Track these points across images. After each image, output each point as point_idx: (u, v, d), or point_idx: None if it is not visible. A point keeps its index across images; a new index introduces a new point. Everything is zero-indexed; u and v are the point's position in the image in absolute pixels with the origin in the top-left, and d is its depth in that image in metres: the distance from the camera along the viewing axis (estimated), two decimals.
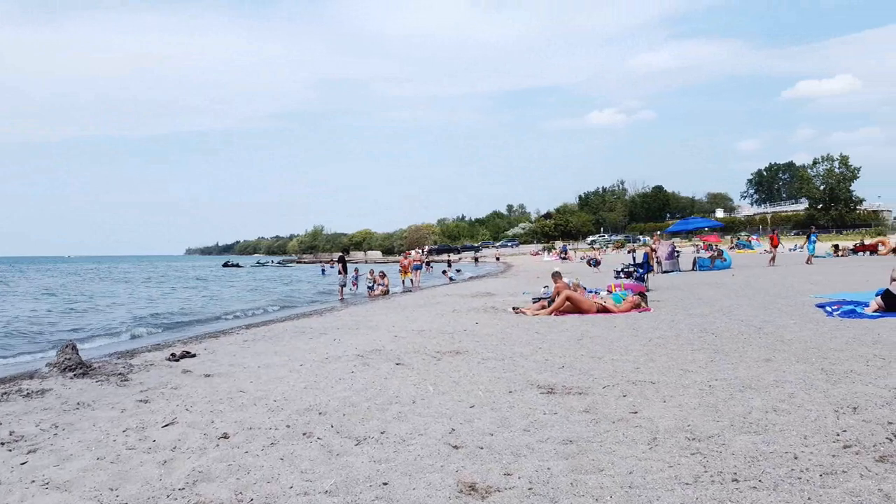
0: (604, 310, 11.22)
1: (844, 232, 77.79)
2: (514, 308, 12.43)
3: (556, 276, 12.72)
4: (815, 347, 6.50)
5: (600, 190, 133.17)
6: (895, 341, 6.60)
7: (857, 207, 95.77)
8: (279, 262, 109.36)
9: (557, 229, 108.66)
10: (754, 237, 74.28)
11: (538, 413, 4.51)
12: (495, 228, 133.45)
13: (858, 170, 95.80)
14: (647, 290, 14.94)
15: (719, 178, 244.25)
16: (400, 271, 29.53)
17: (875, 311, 8.91)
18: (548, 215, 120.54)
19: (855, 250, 33.53)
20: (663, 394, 4.89)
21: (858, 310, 9.14)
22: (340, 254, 26.14)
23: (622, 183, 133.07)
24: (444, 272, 35.29)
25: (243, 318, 16.79)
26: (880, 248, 32.04)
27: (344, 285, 24.00)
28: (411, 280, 28.36)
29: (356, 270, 27.71)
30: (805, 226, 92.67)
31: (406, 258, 30.59)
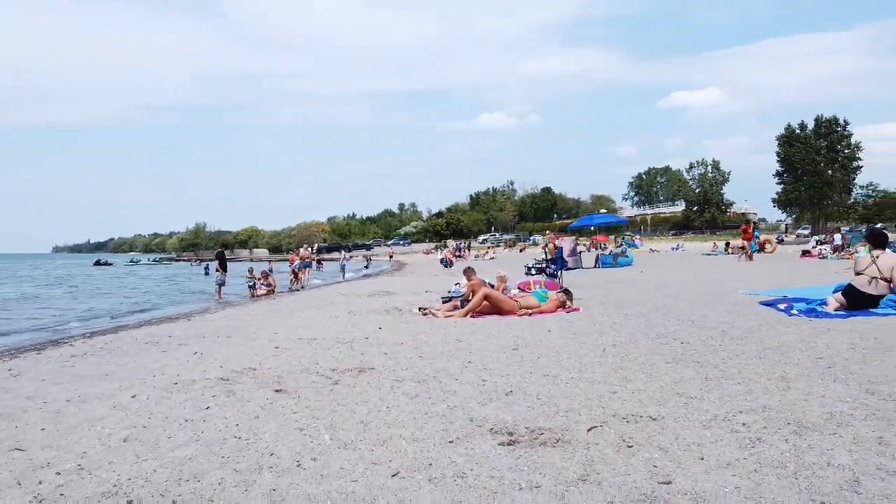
0: (526, 310, 9.64)
1: (717, 232, 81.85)
2: (420, 309, 10.62)
3: (470, 271, 11.03)
4: (822, 357, 5.11)
5: (491, 190, 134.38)
6: None
7: (728, 210, 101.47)
8: (154, 260, 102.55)
9: (449, 228, 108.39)
10: (637, 237, 76.70)
11: (509, 488, 2.72)
12: (387, 227, 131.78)
13: (729, 174, 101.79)
14: (561, 288, 13.62)
15: (602, 181, 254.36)
16: (291, 270, 27.13)
17: (837, 310, 7.81)
18: (439, 214, 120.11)
19: (744, 248, 34.33)
20: (684, 440, 3.23)
21: (819, 308, 8.02)
22: (220, 250, 23.32)
23: (512, 183, 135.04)
24: (341, 268, 33.08)
25: (93, 322, 13.96)
26: (767, 247, 32.89)
27: (222, 284, 21.33)
28: (297, 278, 25.98)
29: (248, 271, 25.03)
30: (682, 227, 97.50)
31: (296, 255, 28.13)
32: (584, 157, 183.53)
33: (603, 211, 77.44)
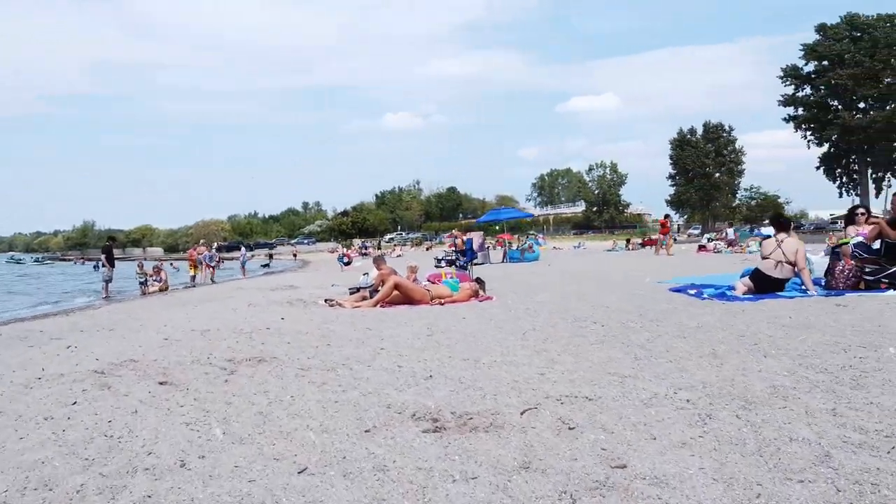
0: (438, 299, 9.26)
1: (616, 232, 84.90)
2: (327, 300, 10.02)
3: (379, 260, 10.53)
4: (744, 335, 4.99)
5: (397, 189, 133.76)
6: (824, 320, 5.33)
7: (626, 210, 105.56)
8: (37, 260, 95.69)
9: (355, 227, 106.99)
10: (540, 236, 78.35)
11: (441, 480, 2.29)
12: (290, 226, 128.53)
13: (626, 176, 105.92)
14: (471, 280, 13.37)
15: (506, 182, 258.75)
16: (189, 265, 25.67)
17: (745, 294, 7.88)
18: (345, 213, 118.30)
19: (643, 244, 35.60)
20: (629, 420, 2.91)
21: (728, 293, 8.08)
22: (107, 244, 21.66)
23: (418, 183, 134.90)
24: (241, 266, 31.63)
25: None
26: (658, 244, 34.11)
27: (109, 280, 19.72)
28: (195, 276, 24.62)
29: (163, 266, 23.40)
30: (583, 226, 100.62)
31: (195, 250, 26.61)
32: (488, 158, 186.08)
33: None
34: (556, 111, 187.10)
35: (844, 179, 65.96)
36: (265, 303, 10.29)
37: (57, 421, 3.29)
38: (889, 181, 63.40)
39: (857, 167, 64.50)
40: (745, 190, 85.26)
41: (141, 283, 20.09)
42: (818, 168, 66.43)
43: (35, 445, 2.89)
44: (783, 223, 8.26)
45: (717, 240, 29.41)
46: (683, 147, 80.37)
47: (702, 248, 24.83)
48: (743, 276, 8.39)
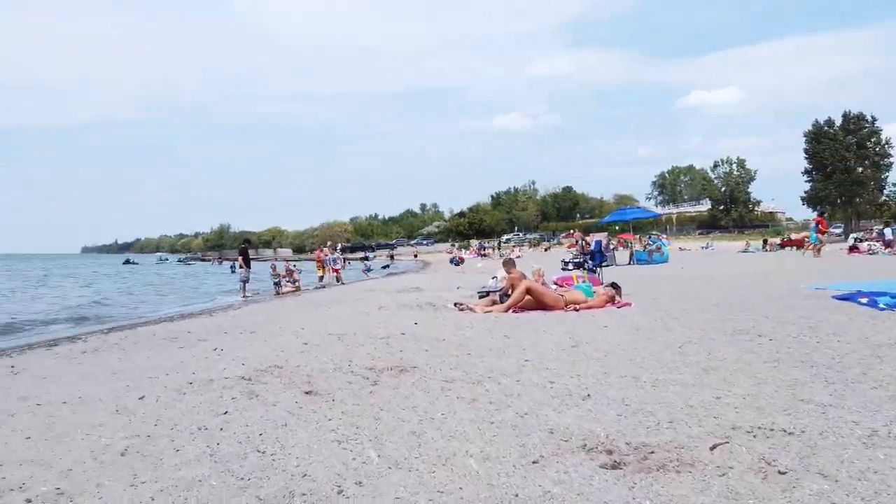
0: (573, 304, 8.83)
1: (746, 231, 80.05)
2: (456, 304, 9.85)
3: (510, 264, 10.23)
4: None
5: (512, 190, 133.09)
6: None
7: (756, 209, 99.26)
8: (180, 260, 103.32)
9: (471, 228, 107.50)
10: (663, 236, 75.14)
11: None
12: (409, 227, 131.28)
13: (755, 172, 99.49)
14: (601, 284, 12.80)
15: (623, 181, 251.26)
16: (316, 266, 26.56)
17: None
18: (462, 214, 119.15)
19: (782, 245, 33.19)
20: (853, 465, 2.42)
21: None
22: (242, 245, 22.74)
23: (534, 183, 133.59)
24: (362, 260, 32.49)
25: (108, 322, 13.36)
26: (806, 243, 31.60)
27: (246, 281, 20.68)
28: (322, 277, 25.40)
29: (272, 268, 24.52)
30: (709, 226, 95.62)
31: (321, 251, 27.52)
32: (604, 157, 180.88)
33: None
34: (674, 107, 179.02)
35: None
36: (395, 306, 10.27)
37: (210, 432, 3.23)
38: None
39: None
40: (894, 185, 77.77)
41: (275, 284, 20.91)
42: None
43: (191, 460, 2.81)
44: None
45: (868, 240, 26.81)
46: (820, 140, 74.37)
47: (853, 248, 22.62)
48: None
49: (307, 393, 4.08)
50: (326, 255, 26.48)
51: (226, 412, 3.62)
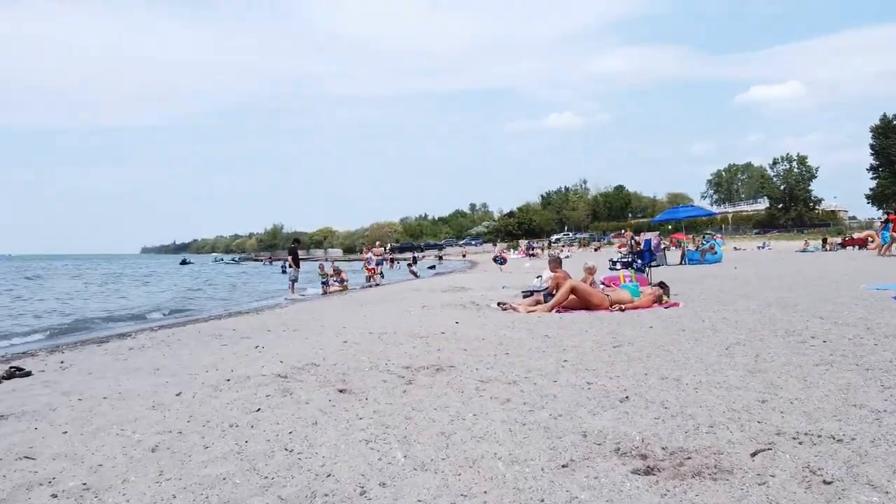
0: (618, 305, 8.64)
1: (805, 231, 77.35)
2: (500, 303, 9.76)
3: (555, 263, 10.08)
4: None
5: (563, 189, 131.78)
6: None
7: (817, 207, 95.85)
8: (234, 259, 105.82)
9: (521, 228, 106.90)
10: (718, 235, 73.20)
11: None
12: (458, 227, 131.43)
13: (817, 170, 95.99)
14: (649, 284, 12.51)
15: (677, 179, 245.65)
16: (364, 266, 26.78)
17: None
18: (511, 214, 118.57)
19: (843, 244, 31.94)
20: None
21: None
22: (292, 245, 23.07)
23: (585, 182, 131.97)
24: (409, 265, 32.62)
25: (162, 319, 13.71)
26: (869, 242, 30.34)
27: (295, 280, 20.97)
28: (372, 276, 25.58)
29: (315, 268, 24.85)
30: (766, 225, 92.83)
31: (369, 251, 27.75)
32: (658, 155, 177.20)
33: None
34: (733, 102, 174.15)
35: None
36: (438, 305, 10.24)
37: (241, 430, 3.23)
38: None
39: None
40: None
41: (323, 283, 21.16)
42: None
43: (218, 458, 2.81)
44: None
45: None
46: (888, 134, 71.33)
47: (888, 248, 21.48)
48: None
49: (341, 391, 4.06)
50: (366, 255, 26.65)
51: (258, 409, 3.63)
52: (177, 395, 4.12)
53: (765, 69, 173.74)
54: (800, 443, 2.68)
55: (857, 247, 30.59)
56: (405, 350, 5.64)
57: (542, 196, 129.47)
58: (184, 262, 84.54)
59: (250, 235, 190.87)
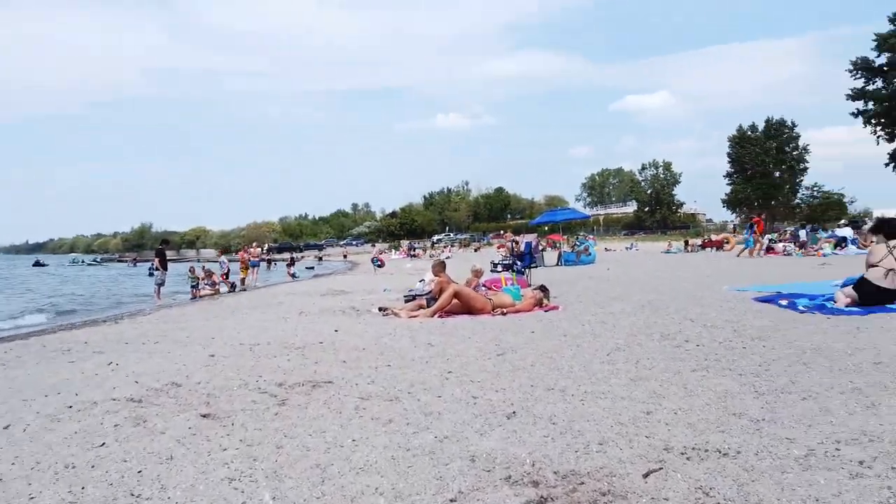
0: (500, 309, 8.61)
1: (668, 232, 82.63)
2: (381, 308, 9.50)
3: (439, 267, 9.94)
4: (885, 362, 4.20)
5: (445, 190, 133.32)
6: None
7: (679, 210, 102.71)
8: (95, 261, 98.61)
9: (403, 228, 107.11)
10: (591, 237, 76.65)
11: None
12: (340, 227, 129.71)
13: (680, 175, 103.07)
14: (529, 286, 12.71)
15: (555, 182, 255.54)
16: (241, 267, 25.57)
17: (848, 306, 7.00)
18: (393, 214, 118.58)
19: (703, 246, 34.25)
20: (795, 491, 2.22)
21: (829, 304, 7.22)
22: (159, 247, 21.62)
23: (467, 184, 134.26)
24: (287, 266, 31.62)
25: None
26: (725, 245, 32.75)
27: (161, 284, 19.67)
28: (245, 279, 24.49)
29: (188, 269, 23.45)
30: (634, 227, 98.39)
31: (246, 252, 26.55)
32: (539, 159, 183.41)
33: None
34: (608, 110, 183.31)
35: None
36: (316, 311, 9.82)
37: (78, 472, 2.77)
38: None
39: None
40: (807, 189, 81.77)
41: (192, 287, 20.00)
42: (888, 165, 63.22)
43: None
44: (894, 227, 7.31)
45: (783, 241, 27.88)
46: (743, 144, 77.58)
47: (769, 250, 23.46)
48: (845, 285, 7.51)
49: (204, 416, 3.64)
50: (249, 257, 25.54)
51: (103, 444, 3.15)
52: (4, 428, 3.54)
53: (639, 79, 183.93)
54: (688, 458, 2.61)
55: (715, 248, 32.96)
56: (279, 364, 5.25)
57: (424, 197, 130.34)
58: (37, 264, 77.60)
59: (115, 234, 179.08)
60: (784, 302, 7.75)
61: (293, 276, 29.58)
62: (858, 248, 21.89)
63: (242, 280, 24.66)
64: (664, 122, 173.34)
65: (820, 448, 2.63)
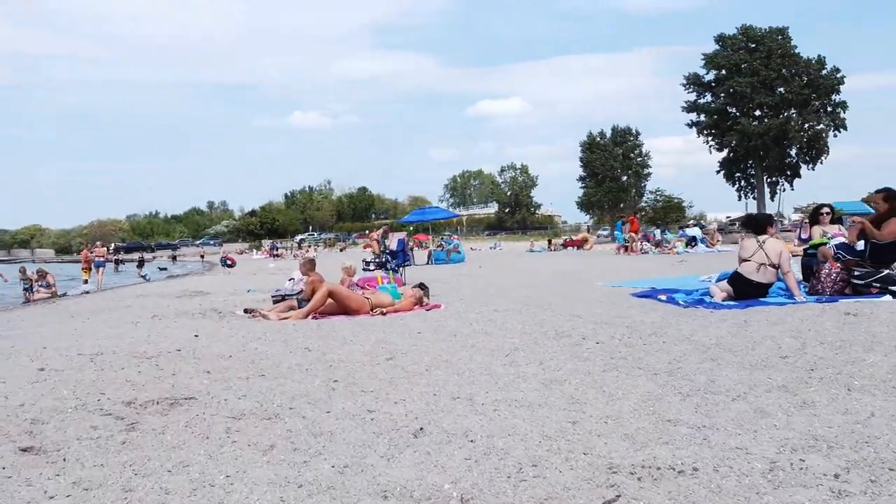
0: (379, 309, 8.07)
1: (528, 232, 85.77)
2: (247, 310, 8.64)
3: (309, 265, 9.18)
4: (791, 356, 4.10)
5: (307, 189, 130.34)
6: (858, 334, 4.53)
7: (537, 212, 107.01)
8: None
9: (264, 227, 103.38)
10: (455, 236, 77.78)
11: None
12: (195, 226, 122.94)
13: (536, 178, 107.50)
14: (404, 284, 12.27)
15: (418, 183, 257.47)
16: (83, 268, 23.16)
17: (725, 300, 7.14)
18: (253, 213, 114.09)
19: (565, 245, 35.48)
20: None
21: (707, 299, 7.33)
22: None
23: (329, 183, 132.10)
24: (137, 267, 29.17)
25: None
26: (585, 243, 34.13)
27: None
28: (88, 281, 22.24)
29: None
30: (495, 227, 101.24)
31: (90, 251, 24.06)
32: (400, 160, 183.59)
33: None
34: (465, 114, 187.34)
35: (742, 183, 69.19)
36: (172, 314, 8.77)
37: None
38: (783, 185, 66.94)
39: (753, 172, 67.60)
40: (651, 192, 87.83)
41: (25, 290, 17.76)
42: (718, 172, 69.28)
43: None
44: (762, 222, 7.56)
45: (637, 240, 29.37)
46: (593, 150, 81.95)
47: (625, 248, 24.64)
48: (720, 279, 7.68)
49: (24, 450, 2.83)
50: (94, 257, 23.21)
51: None
52: None
53: (494, 85, 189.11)
54: (640, 479, 2.23)
55: (576, 247, 34.30)
56: (127, 377, 4.40)
57: (286, 195, 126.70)
58: None
59: None
60: (663, 297, 7.81)
61: (144, 277, 27.24)
62: (707, 246, 23.61)
63: (85, 281, 22.38)
64: (518, 128, 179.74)
65: (782, 459, 2.34)
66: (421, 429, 2.94)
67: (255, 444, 2.83)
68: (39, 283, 17.96)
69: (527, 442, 2.68)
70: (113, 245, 68.00)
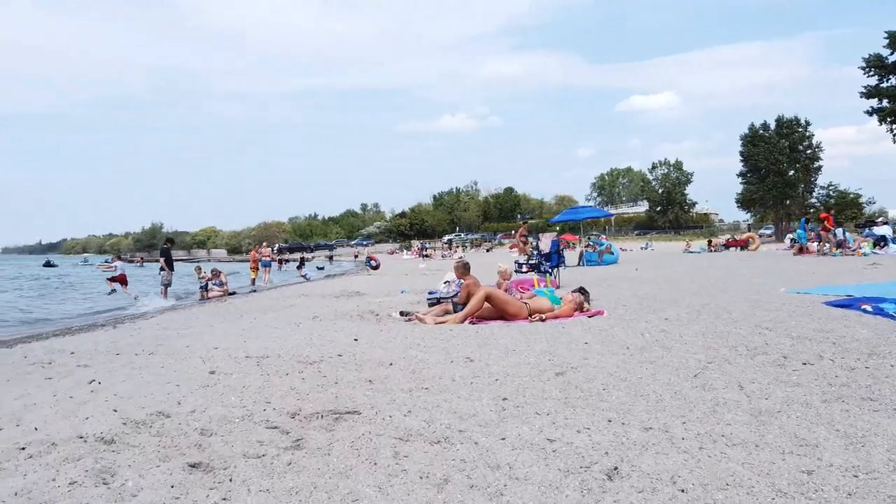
0: (538, 314, 7.65)
1: (682, 232, 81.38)
2: (402, 313, 8.56)
3: (463, 268, 8.95)
4: None
5: (454, 190, 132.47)
6: None
7: (691, 210, 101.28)
8: (106, 261, 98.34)
9: (413, 228, 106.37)
10: (602, 236, 75.33)
11: None
12: (350, 227, 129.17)
13: (692, 174, 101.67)
14: (559, 287, 11.76)
15: (563, 182, 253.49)
16: (251, 267, 24.71)
17: None
18: (403, 214, 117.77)
19: (727, 245, 33.09)
20: None
21: None
22: (164, 245, 20.72)
23: (476, 183, 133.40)
24: (297, 267, 30.77)
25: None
26: (750, 243, 31.60)
27: (168, 285, 18.83)
28: (255, 280, 23.65)
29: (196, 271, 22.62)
30: (646, 227, 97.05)
31: (257, 252, 25.64)
32: (546, 159, 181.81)
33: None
34: (614, 110, 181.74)
35: None
36: (332, 315, 8.89)
37: None
38: None
39: None
40: (822, 188, 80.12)
41: (201, 288, 19.12)
42: None
43: None
44: None
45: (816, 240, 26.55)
46: (755, 143, 76.07)
47: (802, 249, 22.29)
48: None
49: (193, 466, 2.72)
50: (261, 257, 24.66)
51: None
52: None
53: (644, 80, 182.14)
54: None
55: (739, 248, 31.82)
56: (292, 384, 4.32)
57: (434, 197, 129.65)
58: (47, 265, 77.14)
59: (126, 235, 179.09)
60: (868, 307, 6.75)
61: (305, 276, 28.64)
62: None
63: (253, 280, 23.82)
64: (670, 123, 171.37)
65: None
66: (615, 469, 2.51)
67: (426, 475, 2.53)
68: (213, 282, 19.26)
69: (756, 498, 2.16)
70: (276, 245, 72.70)
